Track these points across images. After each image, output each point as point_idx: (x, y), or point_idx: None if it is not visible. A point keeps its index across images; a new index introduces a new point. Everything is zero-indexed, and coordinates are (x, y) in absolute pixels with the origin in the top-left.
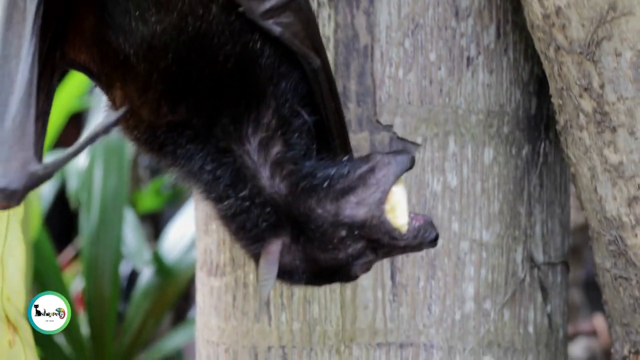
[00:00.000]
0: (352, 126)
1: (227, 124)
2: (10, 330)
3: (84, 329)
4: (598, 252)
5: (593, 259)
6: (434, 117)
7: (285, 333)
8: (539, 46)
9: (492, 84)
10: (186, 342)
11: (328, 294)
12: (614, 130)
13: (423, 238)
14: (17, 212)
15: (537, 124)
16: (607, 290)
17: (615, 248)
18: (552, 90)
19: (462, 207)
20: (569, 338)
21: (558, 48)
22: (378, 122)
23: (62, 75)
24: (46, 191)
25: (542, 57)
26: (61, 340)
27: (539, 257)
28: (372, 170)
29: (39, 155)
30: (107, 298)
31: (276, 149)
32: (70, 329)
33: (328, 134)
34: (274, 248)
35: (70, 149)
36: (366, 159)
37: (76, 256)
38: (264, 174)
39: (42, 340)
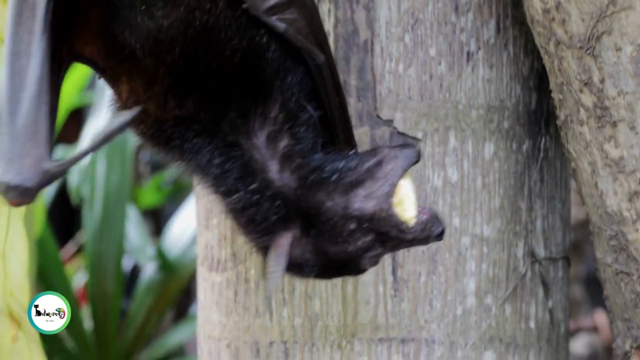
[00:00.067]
0: (353, 121)
1: (235, 118)
2: (13, 326)
3: (87, 324)
4: (599, 247)
5: (594, 254)
6: (434, 112)
7: (286, 328)
8: (539, 41)
9: (492, 79)
10: (189, 338)
11: (329, 289)
12: (614, 125)
13: (430, 231)
14: (19, 208)
15: (538, 119)
16: (609, 286)
17: (616, 243)
18: (552, 85)
19: (462, 202)
20: (570, 334)
21: (558, 43)
22: (378, 117)
23: (67, 69)
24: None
25: (542, 52)
26: (64, 336)
27: (540, 252)
28: (379, 163)
29: (50, 152)
30: (110, 293)
31: (284, 143)
32: (73, 324)
33: (332, 129)
34: (284, 241)
35: (84, 147)
36: (373, 152)
37: (78, 251)
38: (273, 168)
39: (44, 335)
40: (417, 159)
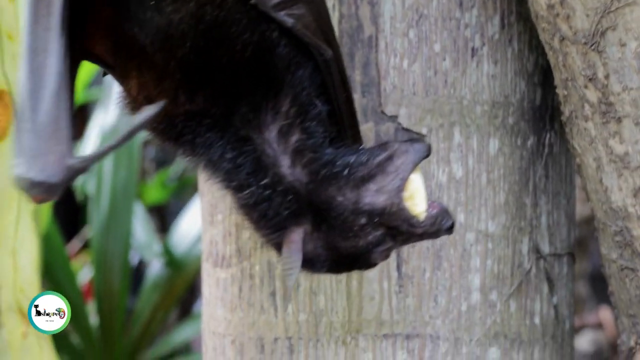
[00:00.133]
0: (357, 117)
1: (246, 112)
2: (23, 322)
3: (93, 320)
4: (604, 243)
5: (599, 250)
6: (438, 108)
7: (291, 324)
8: (543, 37)
9: (497, 74)
10: (195, 335)
11: (334, 285)
12: (619, 120)
13: (440, 225)
14: (28, 202)
15: (542, 115)
16: (613, 282)
17: (621, 239)
18: (557, 81)
19: (467, 198)
20: (575, 331)
21: (562, 38)
22: (383, 112)
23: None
24: None
25: (546, 48)
26: (70, 332)
27: (545, 248)
28: (390, 158)
29: (72, 148)
30: (116, 290)
31: (295, 137)
32: (79, 320)
33: (340, 124)
34: (296, 236)
35: (107, 143)
36: (384, 147)
37: (83, 247)
38: (284, 162)
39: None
40: (428, 153)
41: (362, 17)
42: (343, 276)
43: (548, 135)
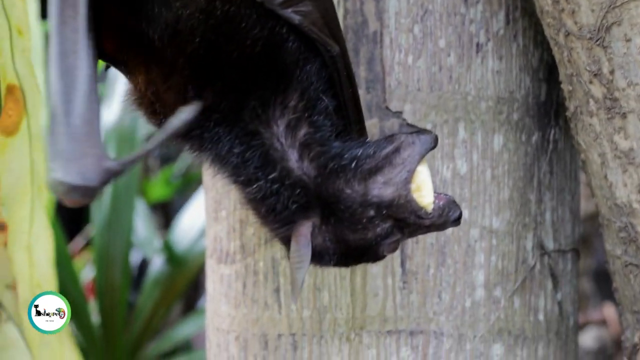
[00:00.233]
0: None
1: (255, 107)
2: None
3: (95, 317)
4: (608, 239)
5: (603, 246)
6: (443, 104)
7: (295, 321)
8: (548, 32)
9: (502, 70)
10: (196, 332)
11: (338, 281)
12: (624, 116)
13: (447, 216)
14: (41, 196)
15: (547, 111)
16: (618, 278)
17: (626, 235)
18: (561, 77)
19: (472, 194)
20: (579, 327)
21: (568, 34)
22: (387, 108)
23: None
24: None
25: (551, 43)
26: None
27: (549, 244)
28: (397, 150)
29: (106, 150)
30: (117, 287)
31: (303, 131)
32: (81, 318)
33: (346, 120)
34: (305, 230)
35: (144, 146)
36: (391, 139)
37: (86, 245)
38: (292, 156)
39: None
40: (434, 144)
41: (367, 13)
42: (347, 272)
43: (553, 131)
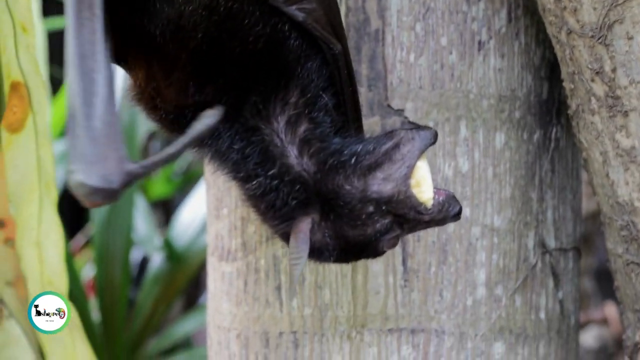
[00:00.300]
0: (364, 111)
1: (256, 103)
2: None
3: (95, 315)
4: (610, 238)
5: (604, 245)
6: (445, 102)
7: (296, 318)
8: (550, 30)
9: (504, 68)
10: (196, 329)
11: (339, 279)
12: (625, 114)
13: (447, 212)
14: (50, 193)
15: (549, 109)
16: (619, 276)
17: (627, 233)
18: (563, 75)
19: (473, 192)
20: (580, 326)
21: (570, 32)
22: (389, 106)
23: None
24: (57, 177)
25: (553, 41)
26: None
27: (551, 242)
28: (397, 146)
29: (126, 152)
30: (117, 284)
31: (303, 127)
32: (81, 316)
33: (345, 117)
34: (304, 226)
35: (167, 150)
36: (390, 135)
37: (87, 243)
38: (292, 152)
39: None
40: (434, 140)
41: (369, 11)
42: (348, 270)
43: (554, 130)
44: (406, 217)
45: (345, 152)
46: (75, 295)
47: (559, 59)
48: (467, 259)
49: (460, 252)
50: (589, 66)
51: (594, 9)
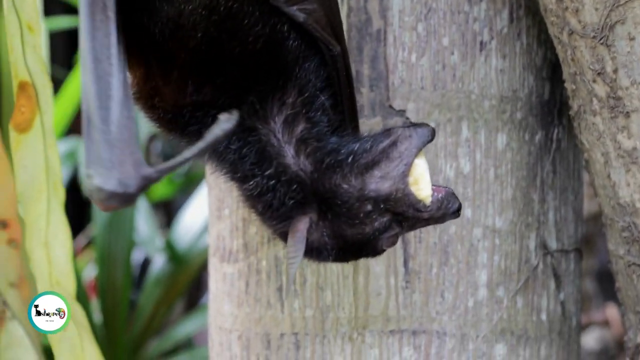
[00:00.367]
0: (365, 111)
1: (253, 102)
2: None
3: (96, 316)
4: (611, 239)
5: (606, 247)
6: (447, 102)
7: (298, 320)
8: (552, 30)
9: (505, 69)
10: (198, 330)
11: (341, 280)
12: (627, 115)
13: (446, 209)
14: (57, 193)
15: (551, 110)
16: (621, 278)
17: (629, 234)
18: (565, 75)
19: (475, 193)
20: (582, 328)
21: (571, 32)
22: (391, 107)
23: None
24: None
25: (555, 42)
26: None
27: (552, 244)
28: (394, 143)
29: (142, 156)
30: (119, 285)
31: (300, 127)
32: None
33: (342, 118)
34: (302, 226)
35: (182, 154)
36: (387, 133)
37: (88, 244)
38: (289, 152)
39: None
40: (432, 137)
41: (371, 11)
42: (350, 272)
43: (556, 130)
44: (405, 215)
45: (342, 151)
46: (77, 296)
47: (560, 59)
48: (468, 260)
49: (462, 253)
50: (591, 67)
51: (596, 9)
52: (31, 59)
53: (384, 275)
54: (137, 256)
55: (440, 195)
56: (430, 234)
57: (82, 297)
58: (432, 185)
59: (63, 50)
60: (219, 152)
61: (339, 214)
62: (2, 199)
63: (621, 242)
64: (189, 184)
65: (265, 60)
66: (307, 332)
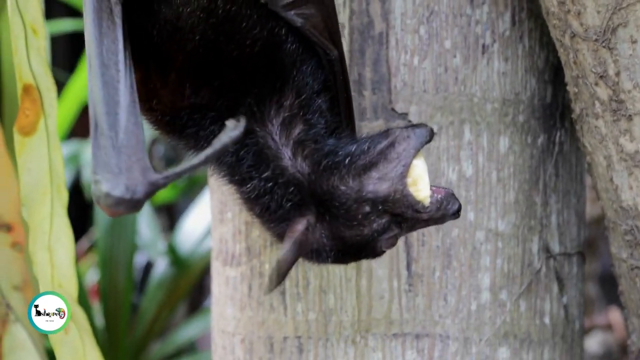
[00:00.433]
0: (368, 114)
1: (251, 105)
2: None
3: (99, 319)
4: (614, 242)
5: (609, 250)
6: (449, 105)
7: (301, 323)
8: (554, 33)
9: (508, 72)
10: (200, 333)
11: (344, 283)
12: (629, 118)
13: (446, 210)
14: (61, 197)
15: (553, 113)
16: (624, 281)
17: (632, 238)
18: (567, 78)
19: (477, 196)
20: (585, 332)
21: (573, 35)
22: (393, 110)
23: None
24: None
25: (557, 45)
26: None
27: (555, 247)
28: (392, 144)
29: (149, 162)
30: (121, 289)
31: (298, 129)
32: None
33: (339, 119)
34: (299, 227)
35: (190, 161)
36: (385, 134)
37: (91, 248)
38: (286, 154)
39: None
40: (430, 138)
41: (373, 14)
42: (352, 275)
43: (558, 133)
44: (404, 216)
45: (340, 152)
46: (79, 300)
47: (562, 62)
48: (471, 264)
49: (465, 256)
50: (593, 70)
51: (598, 12)
52: (35, 61)
53: (387, 279)
54: (139, 260)
55: (439, 196)
56: (433, 237)
57: (84, 300)
58: (431, 186)
59: (64, 53)
60: None
61: (337, 216)
62: (6, 202)
63: (624, 245)
64: (192, 188)
65: (263, 63)
66: (310, 336)
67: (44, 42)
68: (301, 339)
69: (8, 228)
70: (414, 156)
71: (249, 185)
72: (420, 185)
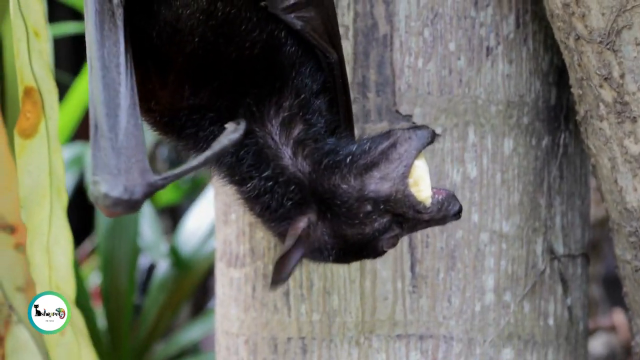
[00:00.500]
0: (372, 116)
1: (250, 105)
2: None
3: (101, 322)
4: (618, 244)
5: (613, 252)
6: (453, 107)
7: (304, 324)
8: (558, 35)
9: (512, 74)
10: (204, 334)
11: (348, 285)
12: (634, 120)
13: (447, 211)
14: (61, 199)
15: (557, 115)
16: (628, 283)
17: (636, 240)
18: (572, 80)
19: (481, 198)
20: (589, 333)
21: (578, 37)
22: (397, 112)
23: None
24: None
25: (561, 47)
26: None
27: (559, 249)
28: (393, 145)
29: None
30: (123, 291)
31: (297, 129)
32: (87, 323)
33: (338, 118)
34: (300, 225)
35: (191, 163)
36: (387, 134)
37: (94, 250)
38: (286, 154)
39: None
40: (431, 139)
41: (377, 16)
42: (357, 276)
43: (563, 135)
44: (405, 216)
45: (341, 152)
46: (82, 303)
47: (567, 64)
48: (475, 265)
49: (469, 258)
50: (597, 72)
51: (602, 14)
52: (37, 64)
53: (391, 280)
54: (143, 262)
55: (440, 197)
56: (437, 238)
57: (86, 303)
58: (433, 187)
59: (68, 56)
60: None
61: (338, 214)
62: (10, 204)
63: (628, 247)
64: (196, 190)
65: (262, 65)
66: (314, 337)
67: (46, 45)
68: (305, 340)
69: (12, 229)
70: (416, 157)
71: (249, 185)
72: (422, 186)
